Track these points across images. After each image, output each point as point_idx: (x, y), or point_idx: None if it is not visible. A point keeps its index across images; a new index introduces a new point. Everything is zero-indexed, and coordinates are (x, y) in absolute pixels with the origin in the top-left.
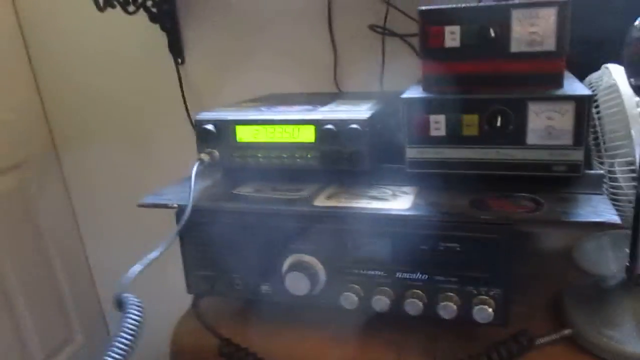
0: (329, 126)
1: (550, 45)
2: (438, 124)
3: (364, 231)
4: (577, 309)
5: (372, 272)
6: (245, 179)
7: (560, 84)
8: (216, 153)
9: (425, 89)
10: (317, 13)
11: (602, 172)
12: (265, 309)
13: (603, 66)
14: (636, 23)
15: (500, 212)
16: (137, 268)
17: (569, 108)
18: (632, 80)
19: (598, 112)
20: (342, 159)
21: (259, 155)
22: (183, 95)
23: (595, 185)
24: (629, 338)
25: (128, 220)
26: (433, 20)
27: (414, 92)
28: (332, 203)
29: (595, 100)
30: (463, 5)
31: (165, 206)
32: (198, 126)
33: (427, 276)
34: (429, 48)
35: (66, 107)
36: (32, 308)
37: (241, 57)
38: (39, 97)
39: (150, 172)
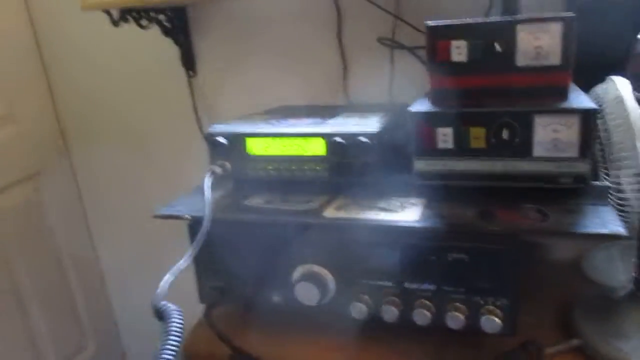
0: (339, 139)
1: (555, 59)
2: (445, 137)
3: (373, 242)
4: (586, 320)
5: (381, 283)
6: (256, 190)
7: (566, 97)
8: (228, 165)
9: (432, 102)
10: (327, 26)
11: (608, 183)
12: (276, 318)
13: (608, 78)
14: None
15: (507, 224)
16: (168, 278)
17: (575, 121)
18: (637, 92)
19: (604, 124)
20: (351, 170)
21: (270, 167)
22: (195, 107)
23: (602, 196)
24: (638, 349)
25: (140, 229)
26: (440, 35)
27: (422, 106)
28: (341, 214)
29: (601, 112)
30: (470, 20)
31: (179, 217)
32: (210, 139)
33: (435, 286)
34: (437, 62)
35: (80, 118)
36: (45, 315)
37: (252, 69)
38: (54, 109)
39: (162, 182)
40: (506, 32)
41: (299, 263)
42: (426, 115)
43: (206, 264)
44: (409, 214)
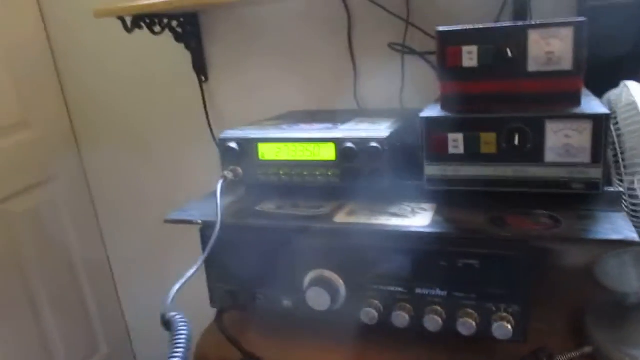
0: (349, 145)
1: (567, 64)
2: (456, 142)
3: (384, 247)
4: (598, 327)
5: (392, 288)
6: (267, 195)
7: (577, 102)
8: (239, 170)
9: (443, 108)
10: (338, 31)
11: (621, 189)
12: (287, 323)
13: (622, 83)
14: None
15: (518, 230)
16: (176, 287)
17: (587, 126)
18: None
19: (618, 129)
20: (362, 176)
21: (281, 172)
22: (206, 112)
23: (615, 202)
24: None
25: (151, 233)
26: (451, 41)
27: (433, 111)
28: (352, 220)
29: (615, 117)
30: (480, 25)
31: (191, 222)
32: (222, 144)
33: (446, 292)
34: (447, 68)
35: (93, 124)
36: (58, 319)
37: (262, 74)
38: (68, 115)
39: (174, 187)
40: (517, 38)
41: (310, 268)
42: (437, 120)
43: (218, 269)
44: (419, 219)
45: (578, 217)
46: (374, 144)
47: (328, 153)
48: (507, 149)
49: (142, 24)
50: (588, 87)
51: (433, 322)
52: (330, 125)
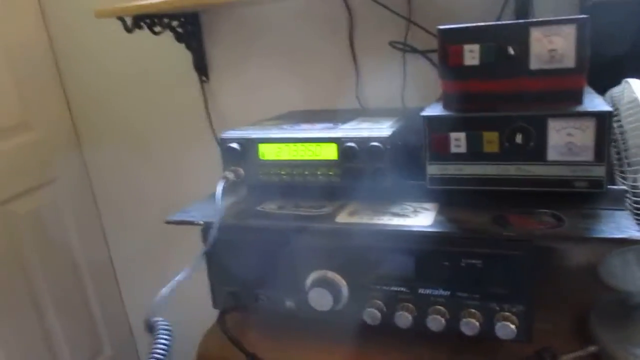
0: (351, 144)
1: (569, 62)
2: (458, 141)
3: (386, 247)
4: (603, 326)
5: (395, 288)
6: (268, 195)
7: (580, 100)
8: (241, 171)
9: (445, 107)
10: (338, 30)
11: (624, 187)
12: (289, 324)
13: (624, 81)
14: None
15: (521, 229)
16: (165, 291)
17: (590, 124)
18: None
19: (620, 127)
20: (364, 176)
21: (282, 172)
22: (208, 112)
23: (618, 200)
24: None
25: (155, 235)
26: (452, 39)
27: (435, 110)
28: (354, 219)
29: (617, 115)
30: (482, 23)
31: (192, 223)
32: (223, 144)
33: (449, 292)
34: (449, 66)
35: (95, 124)
36: (62, 320)
37: (263, 73)
38: (70, 116)
39: (176, 187)
40: (519, 36)
41: (312, 269)
42: (439, 119)
43: (220, 270)
44: (422, 219)
45: (581, 216)
46: (375, 144)
47: (329, 153)
48: (510, 148)
49: (143, 24)
50: (590, 85)
51: (436, 322)
52: (331, 125)
